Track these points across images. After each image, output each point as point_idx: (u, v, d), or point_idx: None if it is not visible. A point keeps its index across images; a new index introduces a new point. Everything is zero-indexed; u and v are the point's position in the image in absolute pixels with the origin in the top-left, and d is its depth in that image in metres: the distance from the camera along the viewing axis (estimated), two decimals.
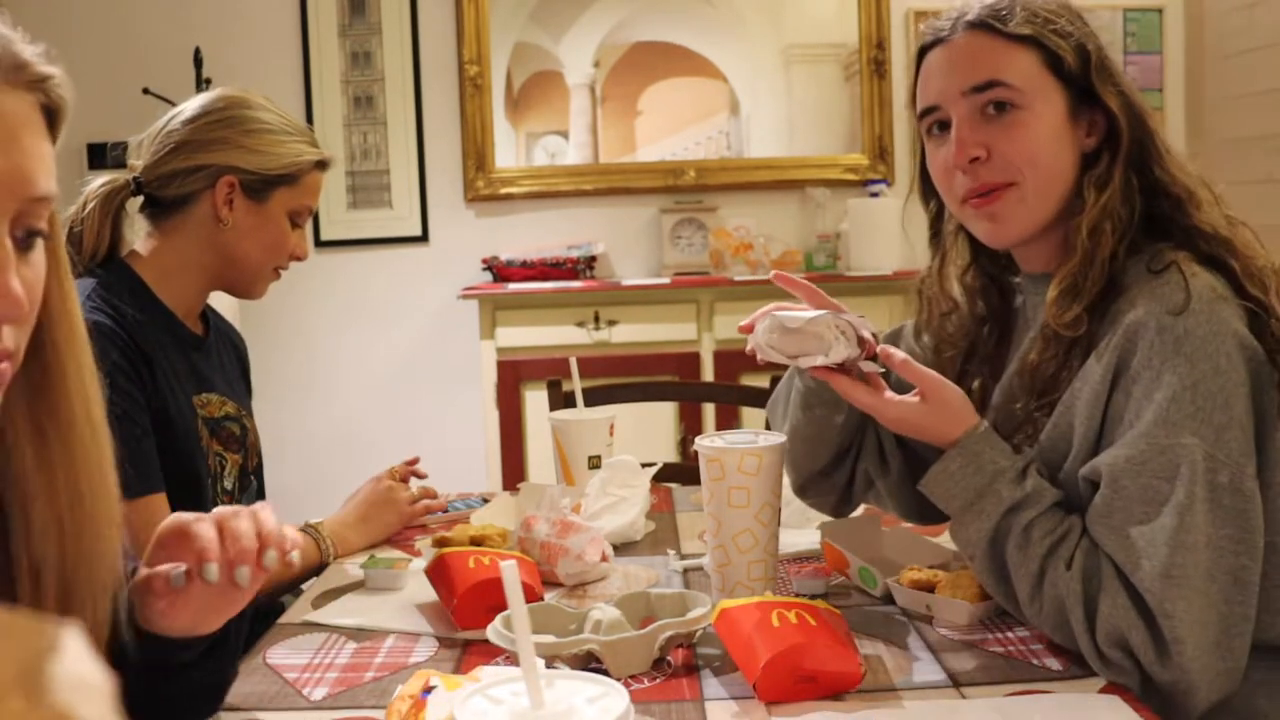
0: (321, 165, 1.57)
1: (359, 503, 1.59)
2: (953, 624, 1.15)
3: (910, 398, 1.13)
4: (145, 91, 3.34)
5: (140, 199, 1.53)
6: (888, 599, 1.23)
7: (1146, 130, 1.15)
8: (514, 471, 3.38)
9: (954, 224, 1.28)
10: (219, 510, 0.87)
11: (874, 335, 1.17)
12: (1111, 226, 1.11)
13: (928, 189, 1.27)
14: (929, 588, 1.19)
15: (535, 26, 3.80)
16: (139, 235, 1.55)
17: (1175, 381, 1.00)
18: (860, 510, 1.55)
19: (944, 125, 1.18)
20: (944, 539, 1.46)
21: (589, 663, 1.02)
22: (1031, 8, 1.16)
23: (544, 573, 1.33)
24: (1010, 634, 1.13)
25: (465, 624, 1.19)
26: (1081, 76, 1.14)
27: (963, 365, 1.31)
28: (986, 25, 1.15)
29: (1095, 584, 1.01)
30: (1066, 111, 1.15)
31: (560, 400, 2.13)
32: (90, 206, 1.49)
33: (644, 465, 1.62)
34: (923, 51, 1.21)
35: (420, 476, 1.76)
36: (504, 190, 3.79)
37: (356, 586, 1.37)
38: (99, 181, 1.51)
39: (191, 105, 1.52)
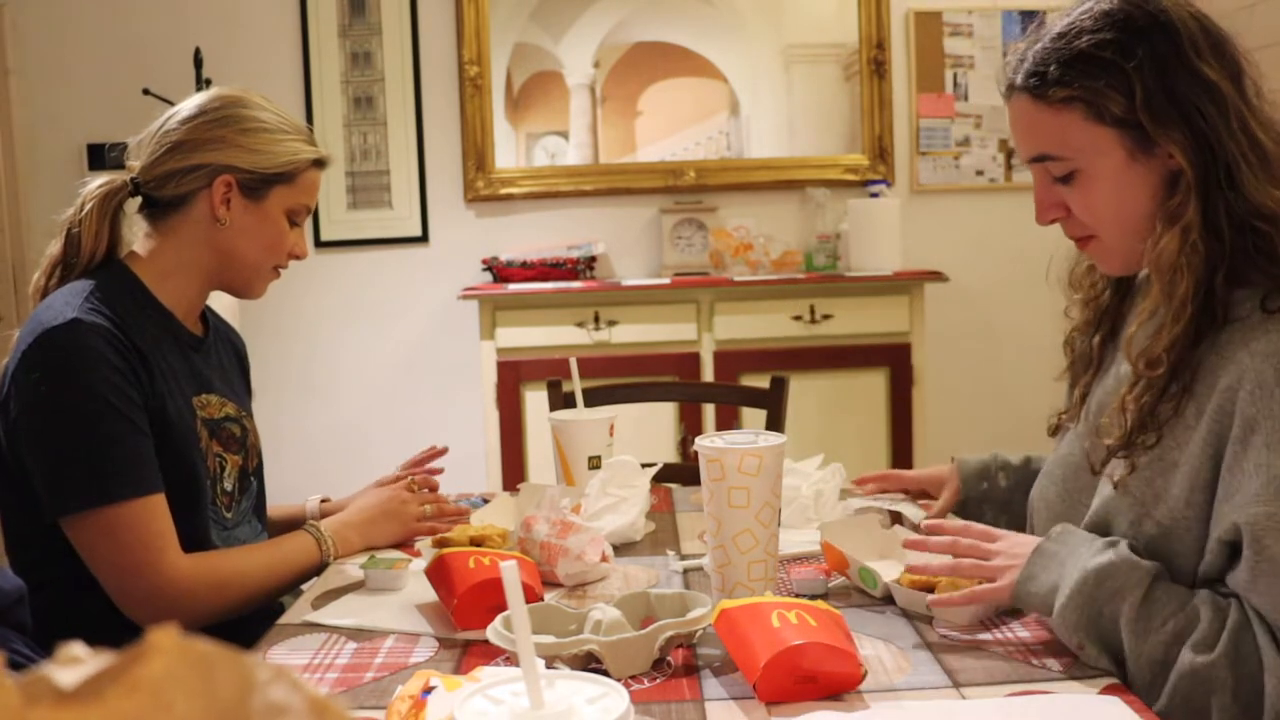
0: (319, 164, 1.57)
1: (367, 506, 1.59)
2: (953, 624, 1.15)
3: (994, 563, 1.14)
4: (145, 92, 3.34)
5: (138, 199, 1.53)
6: (888, 599, 1.23)
7: (1227, 153, 1.08)
8: (514, 472, 3.38)
9: None
10: None
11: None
12: (1188, 262, 1.07)
13: None
14: (929, 588, 1.19)
15: (535, 26, 3.80)
16: (137, 236, 1.54)
17: None
18: (858, 508, 1.55)
19: None
20: None
21: (589, 663, 1.02)
22: (1071, 54, 1.11)
23: (544, 573, 1.33)
24: (1010, 634, 1.12)
25: (465, 624, 1.19)
26: (1134, 120, 1.10)
27: (1094, 316, 1.32)
28: (1028, 90, 1.15)
29: (1250, 664, 0.97)
30: (1128, 154, 1.12)
31: (560, 400, 2.13)
32: (88, 208, 1.49)
33: (644, 465, 1.62)
34: None
35: (435, 472, 1.76)
36: (504, 190, 3.79)
37: (356, 587, 1.37)
38: (96, 183, 1.51)
39: (188, 105, 1.52)
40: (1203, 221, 1.08)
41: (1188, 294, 1.08)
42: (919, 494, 1.64)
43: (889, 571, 1.26)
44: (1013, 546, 1.14)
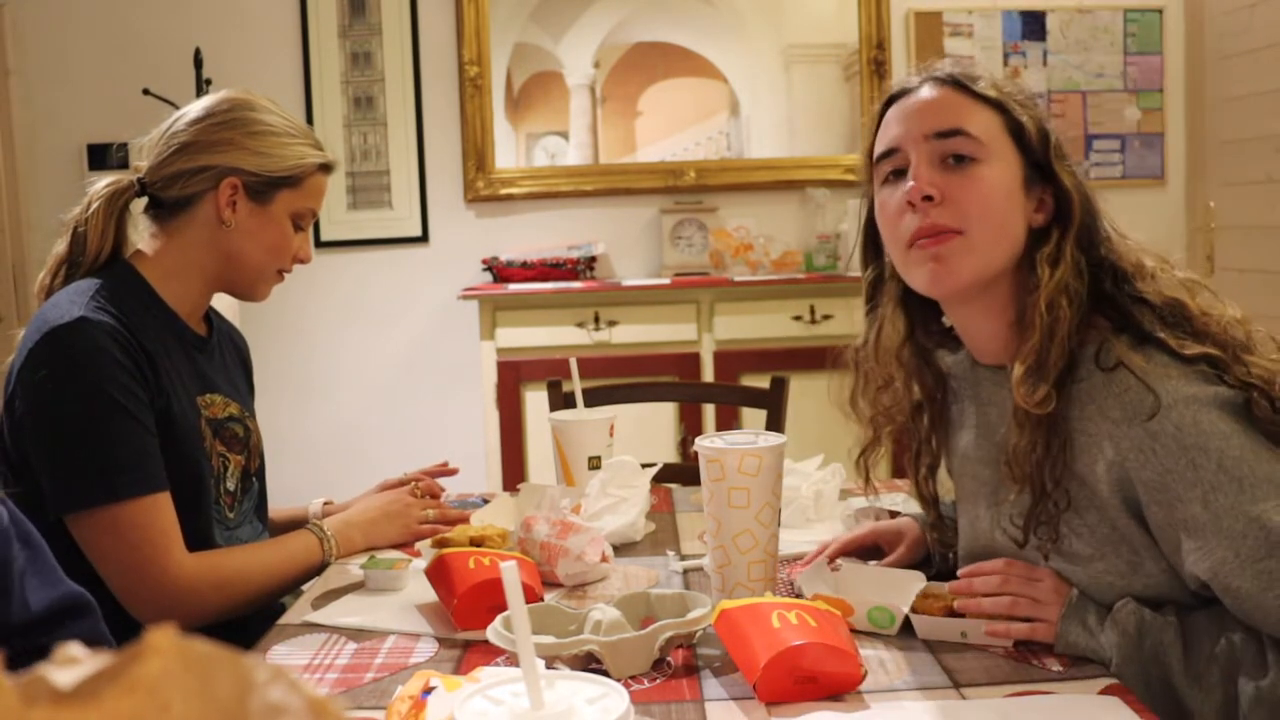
0: (325, 168, 1.57)
1: (370, 507, 1.59)
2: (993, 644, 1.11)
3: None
4: (145, 92, 3.34)
5: (144, 200, 1.53)
6: (905, 633, 1.14)
7: (1093, 213, 1.17)
8: (514, 472, 3.38)
9: (891, 296, 1.27)
10: None
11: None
12: (1067, 301, 1.12)
13: (869, 253, 1.28)
14: (954, 613, 1.13)
15: (535, 26, 3.80)
16: (143, 236, 1.55)
17: (1205, 474, 1.01)
18: (858, 508, 1.55)
19: (900, 172, 1.18)
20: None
21: (589, 663, 1.03)
22: (997, 80, 1.20)
23: (544, 573, 1.33)
24: None
25: (465, 624, 1.19)
26: (1039, 151, 1.16)
27: (904, 442, 1.32)
28: (955, 81, 1.18)
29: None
30: (1021, 179, 1.16)
31: (560, 401, 2.13)
32: (95, 207, 1.50)
33: (644, 466, 1.62)
34: (888, 103, 1.23)
35: (451, 473, 1.76)
36: (504, 190, 3.80)
37: (357, 587, 1.38)
38: (103, 182, 1.52)
39: (196, 107, 1.53)
40: (1074, 267, 1.13)
41: (1066, 336, 1.10)
42: (872, 552, 1.42)
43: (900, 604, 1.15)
44: (1055, 588, 1.12)
